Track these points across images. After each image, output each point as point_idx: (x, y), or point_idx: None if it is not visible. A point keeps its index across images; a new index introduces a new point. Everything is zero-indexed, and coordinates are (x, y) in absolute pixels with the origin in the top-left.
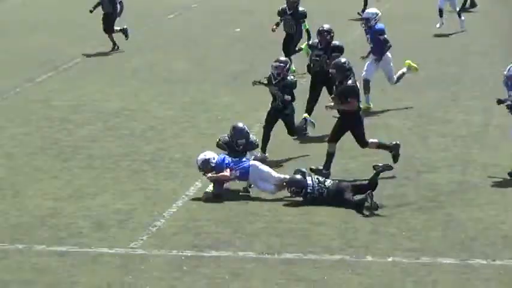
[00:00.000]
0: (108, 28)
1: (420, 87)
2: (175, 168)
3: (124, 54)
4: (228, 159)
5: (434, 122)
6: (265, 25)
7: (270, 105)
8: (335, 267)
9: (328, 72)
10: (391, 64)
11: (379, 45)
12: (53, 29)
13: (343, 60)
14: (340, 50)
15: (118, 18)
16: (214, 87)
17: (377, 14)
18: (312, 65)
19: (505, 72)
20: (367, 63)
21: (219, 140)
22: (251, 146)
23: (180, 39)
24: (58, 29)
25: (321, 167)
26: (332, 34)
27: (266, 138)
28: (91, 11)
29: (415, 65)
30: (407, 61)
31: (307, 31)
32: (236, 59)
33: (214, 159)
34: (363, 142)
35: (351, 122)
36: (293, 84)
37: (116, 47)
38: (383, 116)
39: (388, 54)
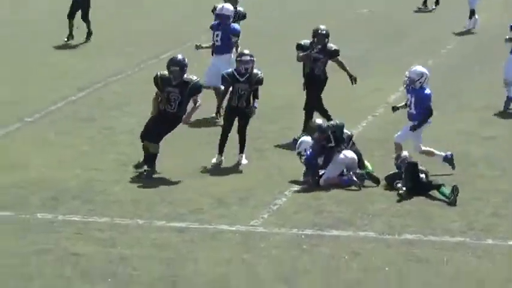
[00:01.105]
0: (86, 16)
1: None
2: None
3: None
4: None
5: None
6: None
7: (228, 104)
8: (455, 249)
9: (319, 77)
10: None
11: (225, 45)
12: (182, 8)
13: (180, 57)
14: (337, 53)
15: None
16: None
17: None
18: (310, 68)
19: (407, 73)
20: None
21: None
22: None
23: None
24: (186, 8)
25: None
26: (329, 36)
27: (225, 139)
28: None
29: None
30: None
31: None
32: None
33: (305, 150)
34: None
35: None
36: (262, 81)
37: (71, 37)
38: None
39: (232, 56)
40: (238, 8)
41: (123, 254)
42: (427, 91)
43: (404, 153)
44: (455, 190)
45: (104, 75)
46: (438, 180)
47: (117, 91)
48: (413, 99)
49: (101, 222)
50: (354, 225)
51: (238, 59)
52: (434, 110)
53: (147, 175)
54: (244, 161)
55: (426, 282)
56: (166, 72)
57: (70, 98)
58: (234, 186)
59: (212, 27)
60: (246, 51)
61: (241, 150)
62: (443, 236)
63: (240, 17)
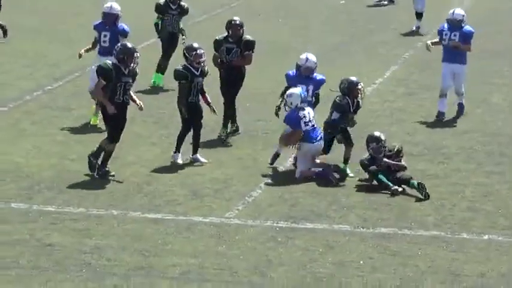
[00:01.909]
0: None
1: None
2: (273, 139)
3: None
4: (304, 115)
5: None
6: None
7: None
8: (429, 243)
9: (236, 69)
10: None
11: (113, 47)
12: None
13: (130, 44)
14: (252, 45)
15: None
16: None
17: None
18: (223, 60)
19: (303, 63)
20: None
21: None
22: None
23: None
24: None
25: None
26: (244, 27)
27: (183, 137)
28: None
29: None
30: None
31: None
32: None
33: (291, 104)
34: None
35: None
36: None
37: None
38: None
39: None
40: (181, 3)
41: (98, 244)
42: (323, 77)
43: (376, 134)
44: (421, 187)
45: (81, 64)
46: (405, 174)
47: None
48: (311, 87)
49: (76, 213)
50: (329, 218)
51: (193, 53)
52: (411, 102)
53: (102, 174)
54: (203, 159)
55: (400, 276)
56: (109, 62)
57: (46, 87)
58: (209, 178)
59: (97, 28)
60: (196, 45)
61: (196, 151)
62: (418, 230)
63: (184, 12)
